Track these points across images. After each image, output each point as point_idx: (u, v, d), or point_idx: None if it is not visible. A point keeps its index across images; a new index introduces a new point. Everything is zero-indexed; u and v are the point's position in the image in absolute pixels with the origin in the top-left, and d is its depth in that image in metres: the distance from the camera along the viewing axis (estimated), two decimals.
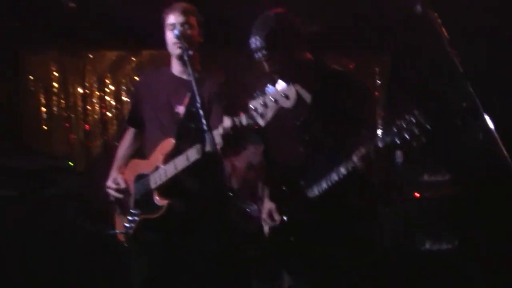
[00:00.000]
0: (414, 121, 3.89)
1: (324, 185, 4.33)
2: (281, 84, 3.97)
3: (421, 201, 7.18)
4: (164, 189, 4.62)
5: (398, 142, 3.95)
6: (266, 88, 4.10)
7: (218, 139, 4.14)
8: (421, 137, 3.88)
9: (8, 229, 6.85)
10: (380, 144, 4.05)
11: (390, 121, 4.10)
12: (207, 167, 4.35)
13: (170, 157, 4.59)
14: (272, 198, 4.72)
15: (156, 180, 4.64)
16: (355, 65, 9.40)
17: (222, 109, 4.69)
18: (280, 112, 3.97)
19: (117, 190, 4.93)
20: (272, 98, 3.89)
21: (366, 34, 8.78)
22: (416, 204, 7.16)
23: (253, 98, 4.01)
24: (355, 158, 4.13)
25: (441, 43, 3.70)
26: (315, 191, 4.39)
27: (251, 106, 3.98)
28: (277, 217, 4.64)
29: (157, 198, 4.60)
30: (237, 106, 4.52)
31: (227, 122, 4.14)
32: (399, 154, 7.77)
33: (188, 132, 4.52)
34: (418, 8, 3.82)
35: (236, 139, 4.23)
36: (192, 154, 4.37)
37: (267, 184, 4.88)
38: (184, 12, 4.82)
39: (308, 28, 4.62)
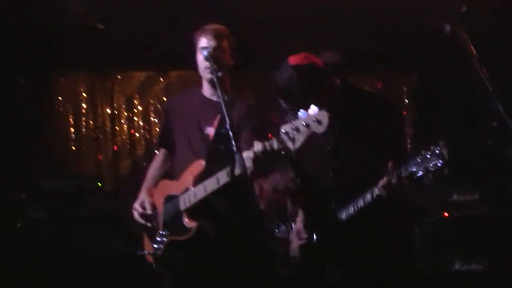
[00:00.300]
0: (438, 152, 3.86)
1: (351, 209, 4.33)
2: (313, 109, 3.95)
3: (450, 221, 7.11)
4: (194, 211, 4.55)
5: (421, 173, 3.93)
6: (298, 113, 4.09)
7: (248, 163, 4.09)
8: (444, 169, 3.86)
9: (38, 251, 6.89)
10: (403, 174, 4.03)
11: (416, 151, 4.08)
12: (237, 189, 4.29)
13: (200, 178, 4.52)
14: (303, 218, 4.71)
15: (185, 201, 4.57)
16: (383, 84, 9.40)
17: (252, 132, 4.63)
18: (311, 137, 3.95)
19: (142, 215, 4.88)
20: (304, 123, 3.83)
21: (393, 53, 8.77)
22: (445, 224, 7.09)
23: (284, 122, 3.99)
24: (379, 187, 4.12)
25: (471, 62, 3.69)
26: (343, 215, 4.38)
27: (282, 130, 3.92)
28: (304, 235, 4.63)
29: (186, 220, 4.54)
30: (266, 128, 4.51)
31: (258, 146, 4.06)
32: None
33: (218, 154, 4.44)
34: (447, 28, 3.81)
35: (266, 163, 4.15)
36: (223, 176, 4.28)
37: (298, 205, 4.86)
38: (217, 36, 4.73)
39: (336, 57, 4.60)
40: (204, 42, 4.70)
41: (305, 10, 7.22)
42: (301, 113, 3.91)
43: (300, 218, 4.78)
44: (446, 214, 7.12)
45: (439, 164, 3.85)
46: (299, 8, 7.24)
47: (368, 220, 4.38)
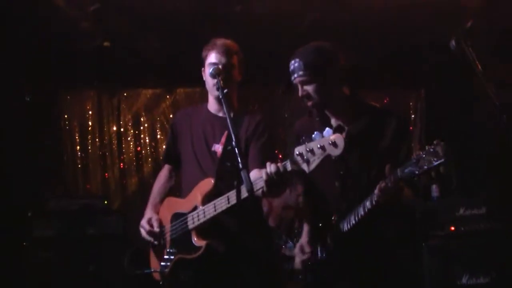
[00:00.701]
0: (432, 151, 3.85)
1: (353, 220, 4.32)
2: (328, 131, 3.95)
3: (457, 235, 7.11)
4: (203, 229, 4.50)
5: (417, 172, 3.92)
6: (313, 135, 4.09)
7: (260, 184, 4.08)
8: (439, 167, 3.84)
9: (45, 270, 6.91)
10: (399, 175, 4.02)
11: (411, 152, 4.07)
12: (246, 207, 4.21)
13: (209, 197, 4.48)
14: (308, 233, 4.70)
15: (194, 220, 4.52)
16: (390, 100, 9.42)
17: (260, 149, 4.62)
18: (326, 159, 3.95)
19: (149, 232, 4.79)
20: (319, 145, 3.83)
21: (400, 69, 8.80)
22: (452, 239, 7.09)
23: (298, 143, 3.98)
24: (376, 192, 4.11)
25: (476, 77, 3.71)
26: (345, 226, 4.37)
27: (296, 152, 3.92)
28: (307, 250, 4.62)
29: (195, 239, 4.49)
30: (275, 145, 4.50)
31: (271, 167, 4.02)
32: (435, 188, 7.74)
33: (226, 172, 4.33)
34: (453, 43, 3.83)
35: (279, 184, 4.11)
36: (233, 197, 4.22)
37: (304, 220, 4.85)
38: (227, 52, 4.67)
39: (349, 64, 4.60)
40: (214, 58, 4.66)
41: (313, 25, 7.24)
42: (316, 134, 3.91)
43: (305, 233, 4.76)
44: (452, 228, 7.12)
45: (434, 163, 3.82)
46: (306, 22, 7.27)
47: (372, 232, 4.38)
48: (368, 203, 4.20)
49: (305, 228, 4.77)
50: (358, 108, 4.53)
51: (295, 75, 4.32)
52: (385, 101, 9.45)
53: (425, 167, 3.84)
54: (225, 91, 4.30)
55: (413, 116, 9.61)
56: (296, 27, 7.35)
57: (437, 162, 3.81)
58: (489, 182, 7.88)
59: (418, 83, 9.61)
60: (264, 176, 4.03)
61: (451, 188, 8.67)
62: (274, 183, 4.05)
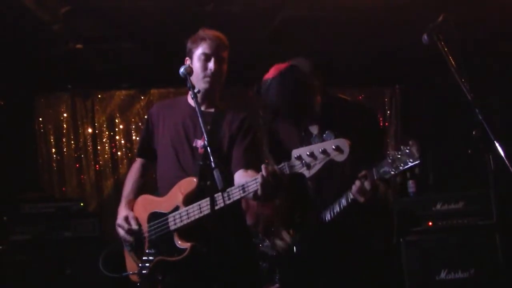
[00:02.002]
0: (408, 152, 3.86)
1: (328, 216, 4.32)
2: (329, 135, 3.94)
3: (434, 230, 7.13)
4: (186, 231, 4.34)
5: (392, 172, 3.92)
6: (312, 138, 4.09)
7: (254, 187, 3.98)
8: (415, 168, 3.85)
9: (21, 274, 6.86)
10: (375, 175, 4.02)
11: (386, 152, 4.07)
12: (229, 208, 4.11)
13: (191, 197, 4.32)
14: (287, 227, 4.70)
15: (176, 221, 4.35)
16: (365, 96, 9.45)
17: (246, 148, 4.49)
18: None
19: (129, 231, 4.57)
20: (321, 149, 3.76)
21: (375, 66, 8.81)
22: (430, 234, 7.11)
23: (296, 146, 3.94)
24: (353, 191, 4.11)
25: (450, 71, 3.71)
26: (328, 216, 4.37)
27: (294, 154, 3.85)
28: (286, 238, 4.62)
29: (179, 242, 4.34)
30: (261, 145, 4.45)
31: (268, 170, 3.90)
32: (411, 184, 7.76)
33: (210, 171, 3.94)
34: (425, 37, 3.83)
35: (275, 187, 3.97)
36: (219, 200, 4.08)
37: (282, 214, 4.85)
38: (221, 45, 4.56)
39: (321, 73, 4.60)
40: (206, 48, 4.52)
41: (288, 23, 7.23)
42: (316, 138, 3.90)
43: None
44: (430, 223, 7.14)
45: (409, 164, 3.83)
46: (282, 21, 7.25)
47: (349, 230, 4.39)
48: (344, 201, 4.21)
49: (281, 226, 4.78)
50: (330, 103, 4.54)
51: (273, 100, 4.37)
52: (360, 97, 9.48)
53: (401, 167, 3.86)
54: (196, 90, 4.12)
55: (388, 112, 9.64)
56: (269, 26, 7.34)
57: (412, 163, 3.83)
58: (465, 177, 7.91)
59: (393, 79, 9.64)
60: (260, 179, 3.92)
61: (427, 183, 8.71)
62: (270, 186, 3.93)
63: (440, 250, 7.01)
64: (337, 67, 8.02)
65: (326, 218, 4.36)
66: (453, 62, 3.70)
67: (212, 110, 4.62)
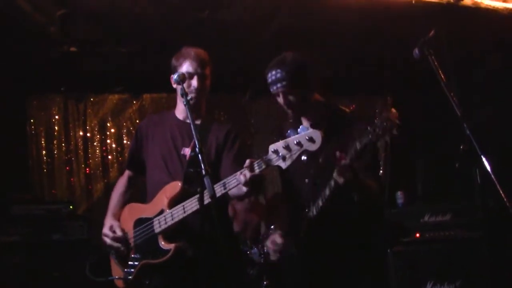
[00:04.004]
0: (385, 116, 3.90)
1: (320, 202, 4.36)
2: (303, 128, 4.01)
3: (422, 242, 7.17)
4: (170, 232, 4.47)
5: (373, 140, 3.96)
6: (287, 133, 4.15)
7: (233, 183, 4.17)
8: (392, 129, 3.88)
9: (10, 276, 6.85)
10: (358, 146, 4.07)
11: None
12: (215, 209, 4.21)
13: (176, 200, 4.45)
14: (280, 230, 4.75)
15: (161, 223, 4.48)
16: (357, 106, 9.49)
17: (234, 158, 4.67)
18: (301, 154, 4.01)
19: (114, 239, 4.72)
20: (295, 141, 3.91)
21: (367, 76, 8.86)
22: (417, 245, 7.15)
23: (272, 141, 4.05)
24: (334, 174, 4.17)
25: (440, 85, 3.75)
26: (313, 211, 4.42)
27: (271, 149, 4.00)
28: (279, 241, 4.67)
29: (162, 243, 4.45)
30: (246, 152, 4.53)
31: (251, 168, 4.08)
32: (400, 195, 7.81)
33: (195, 176, 4.22)
34: (416, 52, 3.87)
35: (259, 183, 4.21)
36: (205, 198, 4.11)
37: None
38: (202, 62, 4.72)
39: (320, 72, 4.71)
40: (189, 67, 4.69)
41: (281, 32, 7.27)
42: (291, 131, 3.97)
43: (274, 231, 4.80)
44: (417, 235, 7.17)
45: (387, 126, 3.87)
46: (275, 30, 7.29)
47: (336, 222, 4.44)
48: (326, 190, 4.27)
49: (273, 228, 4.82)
50: (329, 112, 4.63)
51: (277, 85, 4.51)
52: (352, 107, 9.51)
53: (380, 133, 3.90)
54: (189, 97, 4.36)
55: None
56: (262, 34, 7.37)
57: (390, 125, 3.86)
58: (453, 189, 7.96)
59: (385, 90, 9.68)
60: (242, 179, 4.10)
61: (416, 194, 8.76)
62: (256, 183, 4.14)
63: (427, 262, 7.04)
64: (330, 76, 8.06)
65: (312, 214, 4.42)
66: (443, 77, 3.75)
67: (199, 122, 4.75)
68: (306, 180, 4.64)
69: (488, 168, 3.52)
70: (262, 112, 9.19)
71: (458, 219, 7.19)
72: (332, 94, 8.23)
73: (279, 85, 4.48)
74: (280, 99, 4.57)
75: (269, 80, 4.54)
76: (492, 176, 3.48)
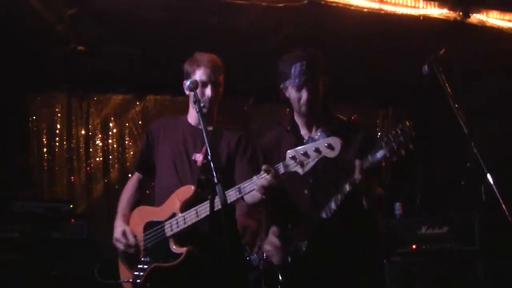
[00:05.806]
0: (399, 132, 3.91)
1: (332, 205, 4.36)
2: (322, 135, 4.04)
3: (419, 253, 7.20)
4: (181, 236, 4.44)
5: (388, 155, 3.98)
6: (306, 139, 4.17)
7: (249, 187, 4.14)
8: (408, 144, 3.90)
9: (8, 273, 6.85)
10: (370, 160, 4.08)
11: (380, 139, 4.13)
12: (225, 214, 4.17)
13: (188, 204, 4.43)
14: (280, 236, 4.75)
15: (173, 227, 4.46)
16: (358, 116, 9.52)
17: (248, 164, 4.65)
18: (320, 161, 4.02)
19: (127, 245, 4.66)
20: (313, 148, 3.91)
21: (369, 87, 8.89)
22: (414, 256, 7.18)
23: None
24: (347, 183, 4.20)
25: (447, 103, 3.79)
26: (323, 215, 4.41)
27: (289, 155, 3.99)
28: (276, 242, 4.66)
29: (174, 246, 4.43)
30: (261, 159, 4.54)
31: (268, 175, 4.05)
32: (398, 206, 7.84)
33: (207, 183, 4.30)
34: (425, 69, 3.91)
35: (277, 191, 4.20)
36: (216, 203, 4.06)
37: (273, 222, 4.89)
38: (217, 70, 4.68)
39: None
40: (202, 76, 4.65)
41: (286, 40, 7.30)
42: (309, 138, 4.00)
43: (271, 233, 4.79)
44: (414, 246, 7.21)
45: (403, 140, 3.89)
46: (279, 38, 7.33)
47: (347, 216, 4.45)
48: (339, 196, 4.27)
49: (272, 229, 4.80)
50: (329, 120, 4.65)
51: (301, 77, 4.46)
52: (353, 117, 9.55)
53: (395, 146, 3.91)
54: (202, 104, 4.34)
55: (379, 133, 9.69)
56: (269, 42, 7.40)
57: (406, 140, 3.88)
58: (452, 202, 7.99)
59: (386, 101, 9.73)
60: (261, 183, 4.08)
61: (414, 206, 8.79)
62: (273, 189, 4.10)
63: (423, 273, 7.07)
64: (334, 84, 8.08)
65: (327, 215, 4.41)
66: (451, 94, 3.79)
67: (211, 128, 4.72)
68: (306, 191, 4.59)
69: (494, 187, 3.55)
70: (264, 117, 9.20)
71: (455, 233, 7.21)
72: (333, 103, 8.35)
73: (301, 77, 4.44)
74: (301, 93, 4.51)
75: (292, 72, 4.47)
76: (497, 194, 3.51)
